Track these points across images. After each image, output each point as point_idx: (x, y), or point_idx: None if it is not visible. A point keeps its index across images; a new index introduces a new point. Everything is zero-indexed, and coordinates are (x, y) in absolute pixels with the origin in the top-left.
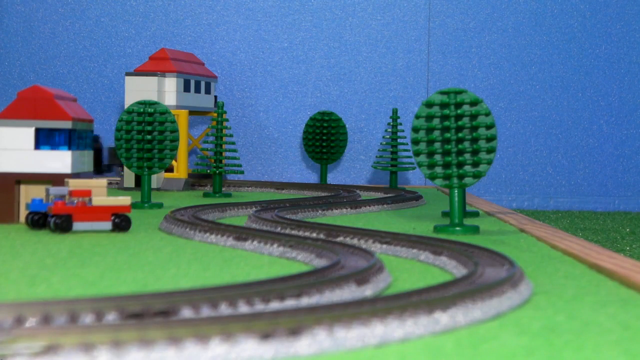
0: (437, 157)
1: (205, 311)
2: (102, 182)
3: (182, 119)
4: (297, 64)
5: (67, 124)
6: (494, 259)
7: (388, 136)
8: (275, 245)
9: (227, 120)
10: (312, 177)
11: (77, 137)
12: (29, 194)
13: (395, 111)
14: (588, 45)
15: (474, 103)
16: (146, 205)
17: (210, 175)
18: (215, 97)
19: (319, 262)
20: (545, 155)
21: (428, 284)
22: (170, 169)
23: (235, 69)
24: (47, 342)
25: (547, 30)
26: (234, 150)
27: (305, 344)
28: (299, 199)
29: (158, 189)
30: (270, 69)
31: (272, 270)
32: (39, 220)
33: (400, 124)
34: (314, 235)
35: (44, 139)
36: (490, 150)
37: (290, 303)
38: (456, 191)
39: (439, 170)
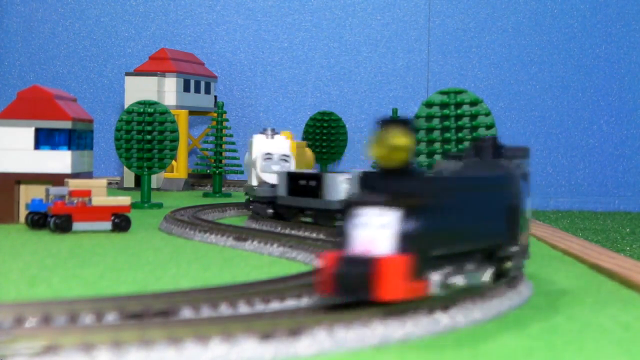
0: (437, 157)
1: (205, 311)
2: (102, 182)
3: (182, 119)
4: (297, 64)
5: (67, 124)
6: None
7: None
8: (275, 245)
9: (227, 120)
10: None
11: (77, 137)
12: (29, 194)
13: (395, 111)
14: (588, 45)
15: (474, 103)
16: (146, 205)
17: (210, 175)
18: (215, 97)
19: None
20: (545, 155)
21: None
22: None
23: (235, 69)
24: (47, 342)
25: (547, 30)
26: (234, 150)
27: (305, 344)
28: None
29: (158, 189)
30: (270, 69)
31: (272, 270)
32: (39, 220)
33: None
34: (314, 235)
35: (44, 139)
36: None
37: (290, 303)
38: None
39: None
